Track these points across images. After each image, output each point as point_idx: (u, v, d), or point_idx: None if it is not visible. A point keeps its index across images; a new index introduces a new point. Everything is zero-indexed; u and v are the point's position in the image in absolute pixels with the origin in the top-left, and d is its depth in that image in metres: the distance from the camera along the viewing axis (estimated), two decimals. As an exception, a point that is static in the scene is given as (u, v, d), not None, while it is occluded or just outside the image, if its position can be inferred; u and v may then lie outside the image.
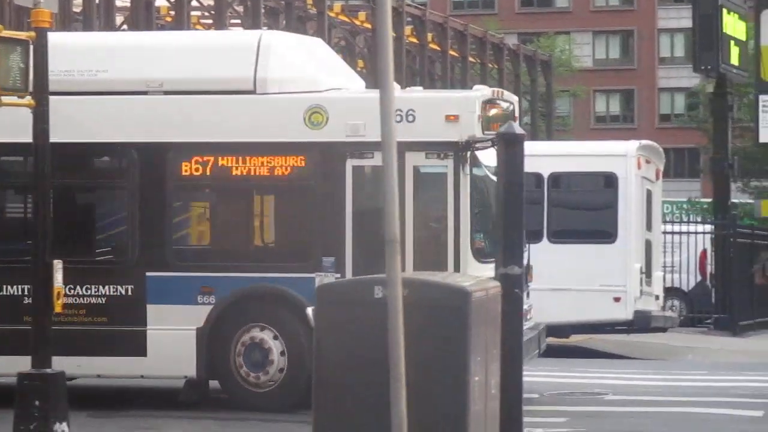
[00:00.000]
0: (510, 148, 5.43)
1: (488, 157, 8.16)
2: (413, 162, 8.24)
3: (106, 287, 8.36)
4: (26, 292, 7.68)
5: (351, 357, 4.26)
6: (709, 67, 21.02)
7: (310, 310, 5.51)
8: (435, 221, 8.46)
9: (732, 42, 21.19)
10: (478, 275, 7.72)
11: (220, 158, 8.34)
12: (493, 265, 7.91)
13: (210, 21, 23.03)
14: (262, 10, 21.28)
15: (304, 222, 8.68)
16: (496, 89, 9.17)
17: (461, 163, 8.10)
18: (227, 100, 8.48)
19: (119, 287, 8.38)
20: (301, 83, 8.55)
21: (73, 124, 8.25)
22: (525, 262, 8.96)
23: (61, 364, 7.14)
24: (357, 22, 26.00)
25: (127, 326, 8.29)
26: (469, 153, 8.11)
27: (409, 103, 8.34)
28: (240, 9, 23.06)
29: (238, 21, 23.29)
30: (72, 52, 8.85)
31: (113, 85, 8.48)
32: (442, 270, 8.02)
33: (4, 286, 8.24)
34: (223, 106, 8.49)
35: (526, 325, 9.31)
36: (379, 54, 3.73)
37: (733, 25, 21.35)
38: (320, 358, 4.44)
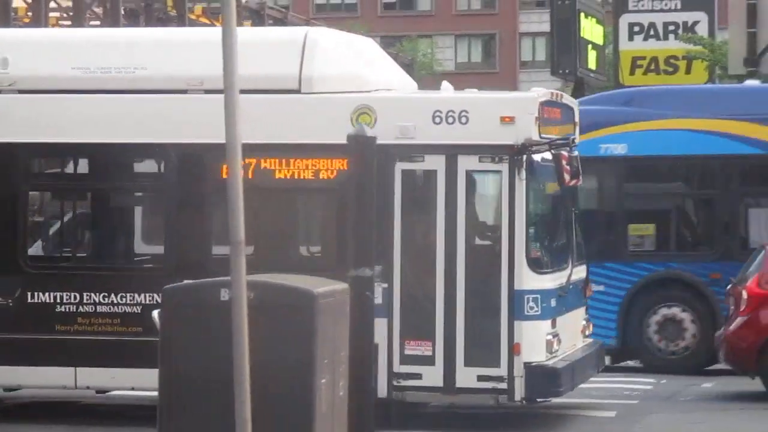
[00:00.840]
0: (361, 150, 5.42)
1: (546, 161, 7.81)
2: (466, 166, 7.74)
3: (143, 296, 7.89)
4: None
5: (198, 358, 4.20)
6: (567, 70, 21.32)
7: (155, 313, 4.95)
8: (488, 229, 8.05)
9: (590, 46, 21.95)
10: (532, 286, 7.47)
11: (262, 160, 7.88)
12: (551, 275, 7.76)
13: (69, 23, 22.74)
14: (122, 12, 21.22)
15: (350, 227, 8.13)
16: (555, 91, 8.73)
17: (517, 167, 7.53)
18: (270, 99, 7.95)
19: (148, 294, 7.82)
20: (349, 83, 8.06)
21: (110, 123, 7.98)
22: (584, 276, 8.70)
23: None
24: (218, 24, 25.93)
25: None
26: (525, 157, 7.53)
27: (462, 103, 7.90)
28: (99, 10, 22.94)
29: (98, 23, 22.97)
30: (109, 47, 8.59)
31: (152, 84, 8.06)
32: (496, 281, 7.64)
33: None
34: (266, 106, 7.93)
35: (585, 342, 8.98)
36: (224, 56, 3.74)
37: (590, 30, 21.88)
38: (166, 359, 4.38)
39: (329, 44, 8.57)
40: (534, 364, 7.52)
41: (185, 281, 5.57)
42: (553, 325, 7.77)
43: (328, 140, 7.69)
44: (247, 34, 9.85)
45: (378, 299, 7.38)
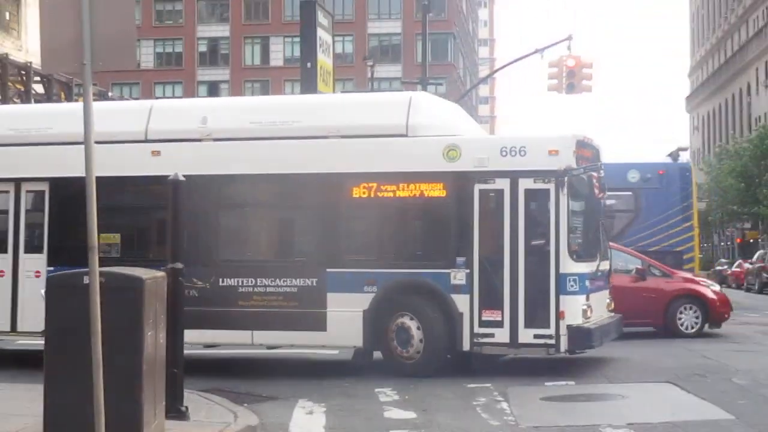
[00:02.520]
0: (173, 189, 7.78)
1: (580, 181, 10.34)
2: (525, 186, 10.29)
3: (297, 280, 10.78)
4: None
5: (70, 328, 5.70)
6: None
7: (42, 291, 6.47)
8: (541, 230, 10.34)
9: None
10: (572, 270, 9.99)
11: (380, 184, 10.68)
12: (586, 263, 10.34)
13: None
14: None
15: (443, 231, 10.84)
16: (585, 135, 11.06)
17: (560, 186, 10.06)
18: (386, 141, 10.84)
19: (305, 279, 10.75)
20: (440, 129, 10.82)
21: (276, 159, 10.92)
22: (608, 263, 11.42)
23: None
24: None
25: (312, 309, 10.60)
26: (566, 178, 10.05)
27: (521, 141, 10.53)
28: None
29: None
30: (276, 109, 11.95)
31: (309, 131, 11.02)
32: (547, 267, 10.03)
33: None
34: (383, 146, 10.86)
35: (609, 314, 11.49)
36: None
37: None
38: (49, 328, 5.99)
39: (426, 103, 11.47)
40: (574, 326, 10.00)
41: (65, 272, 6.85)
42: (588, 299, 10.32)
43: (428, 169, 10.59)
44: (367, 97, 13.13)
45: (462, 281, 10.33)
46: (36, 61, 22.59)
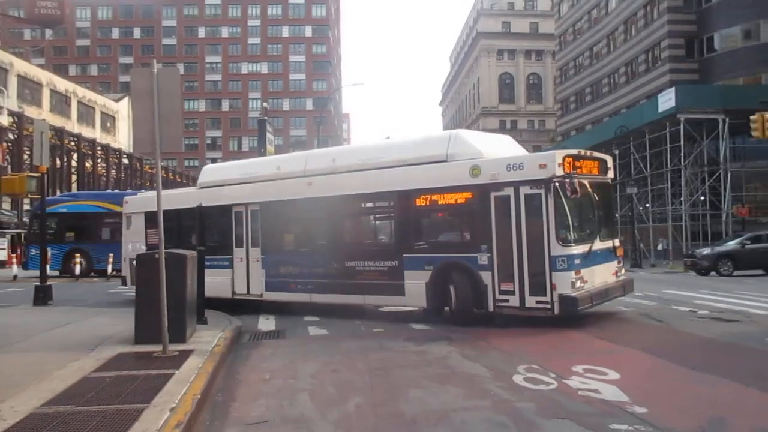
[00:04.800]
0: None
1: (565, 185, 13.12)
2: (524, 191, 13.65)
3: (387, 261, 15.79)
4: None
5: (149, 279, 11.16)
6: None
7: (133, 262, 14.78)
8: (537, 224, 13.44)
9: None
10: (560, 253, 13.14)
11: (432, 196, 15.20)
12: (575, 247, 13.63)
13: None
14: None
15: (472, 226, 14.71)
16: (569, 152, 14.13)
17: (548, 190, 13.27)
18: (434, 165, 15.28)
19: (391, 262, 15.70)
20: (469, 155, 14.89)
21: (373, 184, 16.21)
22: (611, 245, 14.92)
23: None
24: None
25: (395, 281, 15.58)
26: (552, 185, 13.21)
27: (521, 159, 14.01)
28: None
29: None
30: (371, 151, 17.24)
31: (389, 163, 16.14)
32: (542, 251, 13.26)
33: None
34: (433, 169, 15.26)
35: (617, 279, 14.84)
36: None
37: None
38: (138, 281, 11.89)
39: (462, 137, 15.51)
40: (564, 295, 13.06)
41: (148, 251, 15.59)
42: (578, 273, 13.33)
43: (460, 183, 14.64)
44: (425, 136, 17.58)
45: (486, 262, 14.16)
46: (124, 148, 70.94)
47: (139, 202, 22.22)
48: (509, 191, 13.97)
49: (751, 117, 32.02)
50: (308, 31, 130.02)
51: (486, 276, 14.20)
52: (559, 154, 13.77)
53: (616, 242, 15.23)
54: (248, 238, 18.58)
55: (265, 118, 63.19)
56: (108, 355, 10.69)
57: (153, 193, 17.92)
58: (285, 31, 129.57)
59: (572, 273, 13.44)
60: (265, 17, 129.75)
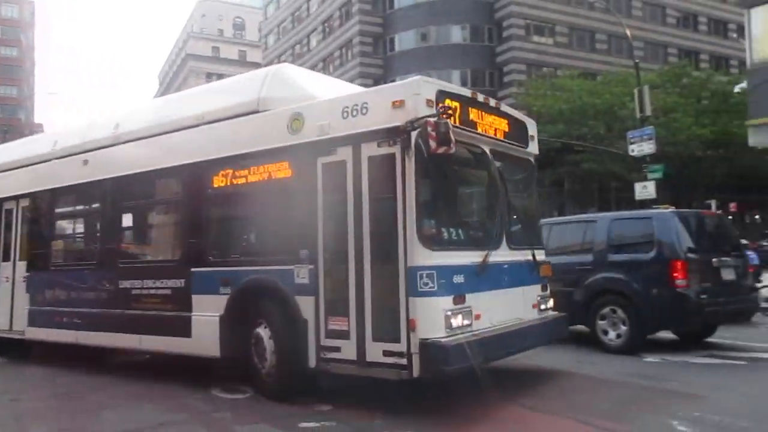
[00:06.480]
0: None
1: (441, 134, 6.94)
2: (367, 152, 7.69)
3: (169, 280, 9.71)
4: None
5: None
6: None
7: None
8: (387, 209, 7.45)
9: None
10: (425, 263, 6.96)
11: (234, 171, 9.18)
12: (455, 252, 7.41)
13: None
14: None
15: (288, 218, 8.44)
16: (474, 92, 8.37)
17: (405, 147, 7.27)
18: (238, 121, 9.23)
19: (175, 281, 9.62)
20: (294, 100, 8.73)
21: (158, 157, 10.10)
22: (530, 258, 8.52)
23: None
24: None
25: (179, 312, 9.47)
26: (413, 136, 7.24)
27: (364, 96, 8.00)
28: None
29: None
30: (169, 107, 11.03)
31: (184, 123, 9.90)
32: (394, 256, 7.13)
33: None
34: (236, 125, 9.23)
35: (541, 316, 8.74)
36: None
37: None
38: None
39: (286, 74, 9.48)
40: (429, 341, 6.92)
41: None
42: (458, 301, 7.25)
43: (273, 146, 8.62)
44: (233, 78, 11.24)
45: (306, 280, 7.96)
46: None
47: None
48: (345, 154, 7.97)
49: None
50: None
51: (306, 304, 8.12)
52: (428, 84, 7.66)
53: (540, 254, 8.94)
54: (17, 248, 12.61)
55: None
56: None
57: None
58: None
59: (448, 300, 7.24)
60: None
